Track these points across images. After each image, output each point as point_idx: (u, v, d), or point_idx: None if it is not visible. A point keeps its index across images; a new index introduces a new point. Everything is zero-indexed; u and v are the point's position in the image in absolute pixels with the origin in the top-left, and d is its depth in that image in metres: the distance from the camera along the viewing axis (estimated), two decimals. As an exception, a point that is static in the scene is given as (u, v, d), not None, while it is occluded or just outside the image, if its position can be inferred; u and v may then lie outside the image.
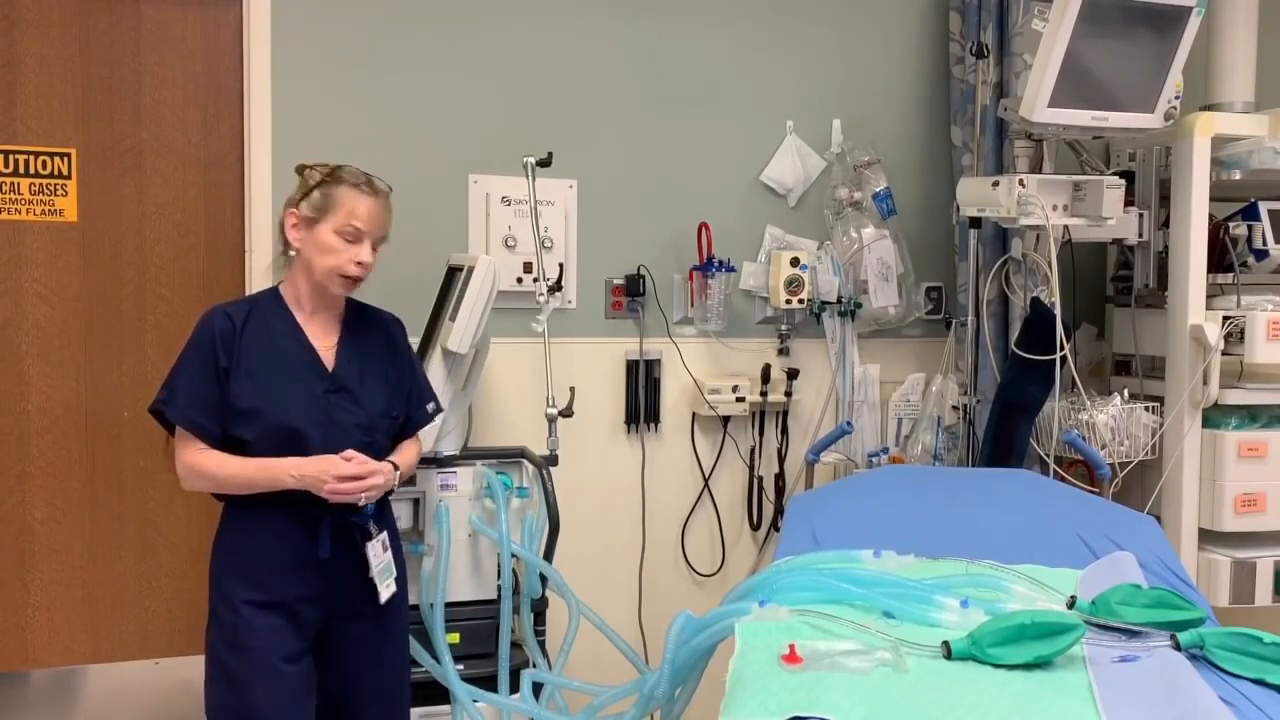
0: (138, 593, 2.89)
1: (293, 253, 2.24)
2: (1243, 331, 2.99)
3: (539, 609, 2.80)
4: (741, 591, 2.18)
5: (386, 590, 2.24)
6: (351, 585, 2.23)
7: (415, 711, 2.65)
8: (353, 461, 2.15)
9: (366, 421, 2.23)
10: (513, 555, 2.69)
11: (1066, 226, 3.11)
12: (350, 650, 2.25)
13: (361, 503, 2.16)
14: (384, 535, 2.26)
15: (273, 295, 2.28)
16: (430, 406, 2.40)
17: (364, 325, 2.33)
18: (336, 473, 2.12)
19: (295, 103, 2.99)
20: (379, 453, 2.24)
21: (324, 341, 2.25)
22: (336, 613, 2.23)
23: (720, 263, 3.28)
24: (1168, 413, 3.12)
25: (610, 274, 3.30)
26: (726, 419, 3.41)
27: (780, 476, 3.48)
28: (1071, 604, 2.04)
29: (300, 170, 2.31)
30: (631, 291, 3.29)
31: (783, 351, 3.44)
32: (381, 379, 2.30)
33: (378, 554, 2.24)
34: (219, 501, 2.23)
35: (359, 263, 2.21)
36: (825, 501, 2.78)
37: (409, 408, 2.35)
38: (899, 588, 2.05)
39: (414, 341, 2.88)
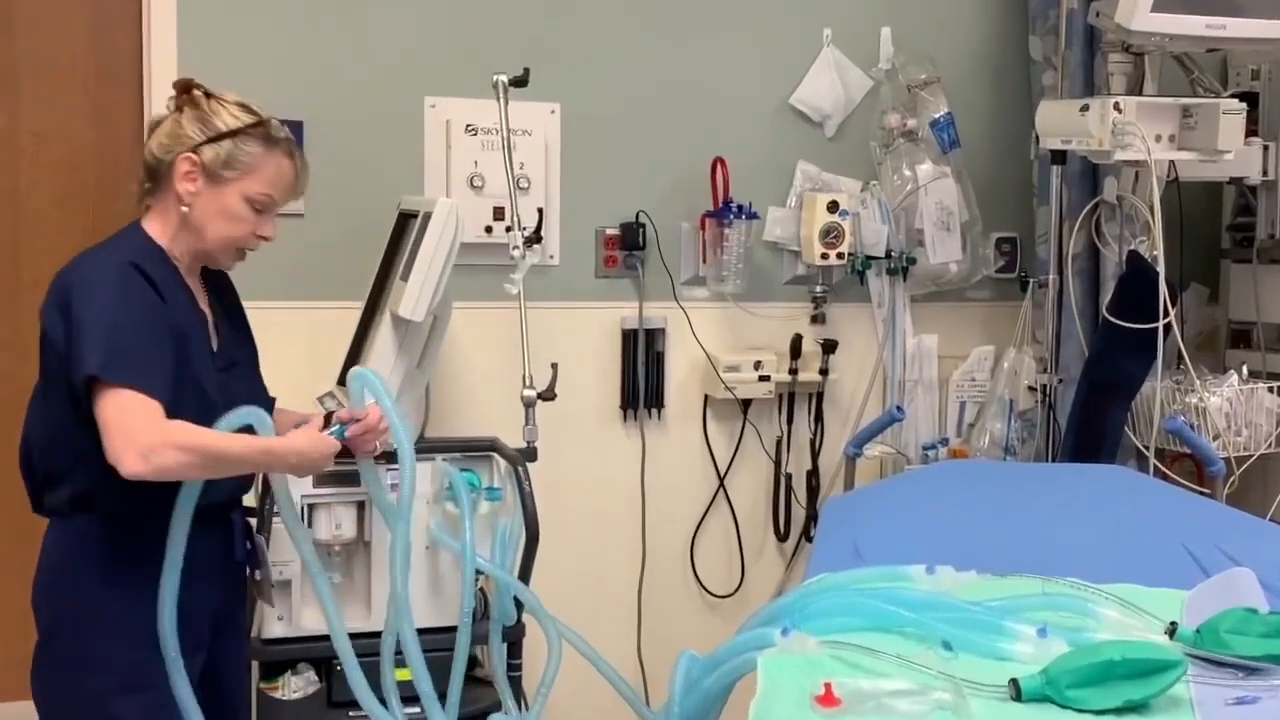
0: None
1: (184, 208, 2.19)
2: (1393, 293, 2.99)
3: (514, 638, 2.80)
4: (764, 618, 2.19)
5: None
6: (237, 595, 2.37)
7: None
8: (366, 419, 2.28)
9: (262, 398, 2.31)
10: (480, 573, 2.69)
11: (1173, 162, 3.10)
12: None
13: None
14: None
15: (152, 246, 2.21)
16: None
17: (219, 283, 2.35)
18: (334, 452, 2.23)
19: (207, 3, 2.98)
20: None
21: (201, 303, 2.27)
22: (223, 630, 2.31)
23: (739, 208, 3.27)
24: (1297, 395, 3.13)
25: (602, 222, 3.29)
26: (747, 403, 3.41)
27: (814, 474, 3.48)
28: (1172, 632, 2.05)
29: (189, 90, 2.23)
30: (629, 244, 3.28)
31: (817, 319, 3.43)
32: (252, 349, 2.38)
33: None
34: (93, 505, 2.13)
35: (263, 237, 2.23)
36: (869, 505, 2.79)
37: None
38: (959, 612, 2.05)
39: (358, 306, 2.89)
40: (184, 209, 2.18)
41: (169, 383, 2.06)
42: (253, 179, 2.18)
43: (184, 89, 2.23)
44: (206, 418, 2.11)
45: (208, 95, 2.23)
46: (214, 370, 2.21)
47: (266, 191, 2.20)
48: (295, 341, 2.90)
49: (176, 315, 2.15)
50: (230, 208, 2.18)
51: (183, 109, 2.21)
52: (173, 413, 2.05)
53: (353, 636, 2.64)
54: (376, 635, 2.69)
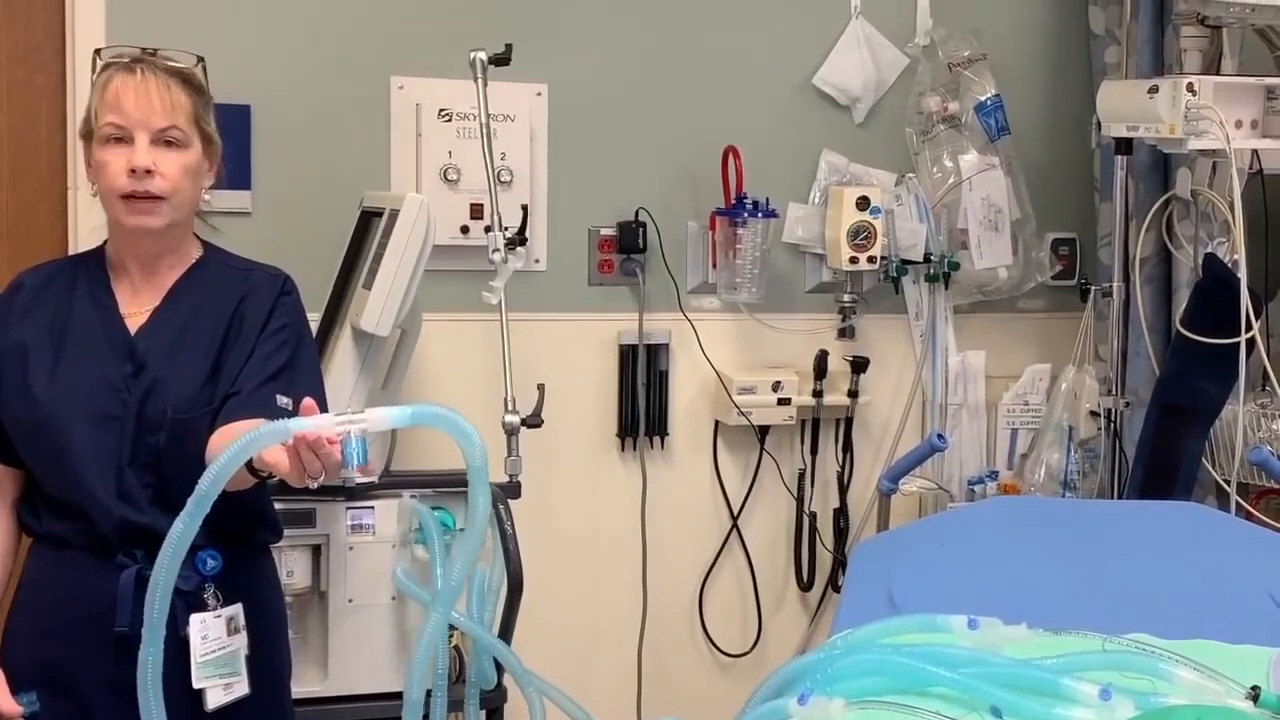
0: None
1: (94, 195, 2.24)
2: None
3: (493, 705, 2.81)
4: (777, 683, 2.19)
5: (218, 694, 2.17)
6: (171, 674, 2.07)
7: None
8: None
9: (160, 415, 2.17)
10: (454, 628, 2.69)
11: (1256, 152, 3.10)
12: None
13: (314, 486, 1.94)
14: (232, 610, 2.20)
15: (96, 249, 2.31)
16: (285, 402, 2.17)
17: (204, 285, 2.27)
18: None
19: (140, -27, 3.00)
20: (162, 463, 2.17)
21: (138, 306, 2.24)
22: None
23: (755, 205, 3.28)
24: (1401, 421, 3.13)
25: (596, 221, 3.31)
26: (764, 430, 3.42)
27: (842, 513, 3.48)
28: (1255, 697, 2.05)
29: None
30: (627, 247, 3.29)
31: (845, 333, 3.43)
32: (200, 352, 2.22)
33: (212, 635, 2.17)
34: None
35: (132, 169, 2.14)
36: (907, 549, 2.78)
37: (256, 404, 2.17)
38: (1007, 671, 2.05)
39: (314, 318, 2.89)
40: (94, 195, 2.23)
41: None
42: (99, 118, 2.18)
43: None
44: (74, 416, 2.15)
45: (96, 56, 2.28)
46: (121, 375, 2.18)
47: (108, 120, 2.16)
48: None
49: (40, 317, 2.22)
50: (97, 158, 2.19)
51: None
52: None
53: (306, 703, 2.65)
54: (335, 701, 2.70)
